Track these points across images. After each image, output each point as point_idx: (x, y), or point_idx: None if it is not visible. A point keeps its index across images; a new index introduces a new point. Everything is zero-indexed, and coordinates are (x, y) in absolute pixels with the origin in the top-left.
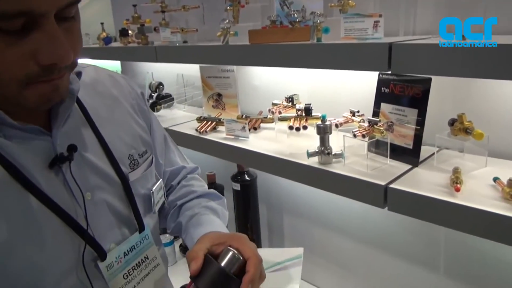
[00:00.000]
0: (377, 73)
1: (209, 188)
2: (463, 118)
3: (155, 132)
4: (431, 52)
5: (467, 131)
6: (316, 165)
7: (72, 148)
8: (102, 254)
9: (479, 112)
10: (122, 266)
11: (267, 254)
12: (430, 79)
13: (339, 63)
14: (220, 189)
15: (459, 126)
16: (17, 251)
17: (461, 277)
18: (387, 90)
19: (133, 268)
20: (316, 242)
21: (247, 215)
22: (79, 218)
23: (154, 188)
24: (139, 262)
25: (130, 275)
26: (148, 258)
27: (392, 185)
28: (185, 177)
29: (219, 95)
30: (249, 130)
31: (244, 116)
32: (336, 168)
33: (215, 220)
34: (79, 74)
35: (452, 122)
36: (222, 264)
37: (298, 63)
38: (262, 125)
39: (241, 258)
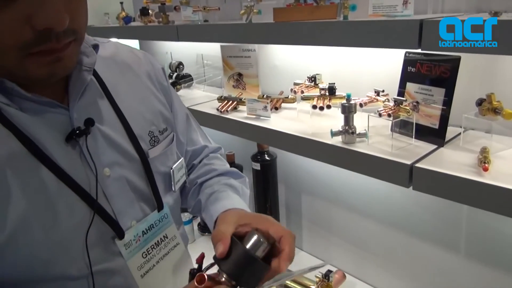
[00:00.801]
0: (401, 51)
1: None
2: (492, 97)
3: (177, 111)
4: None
5: (496, 111)
6: (340, 145)
7: (89, 122)
8: (120, 232)
9: (506, 92)
10: (140, 244)
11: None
12: (459, 58)
13: (367, 41)
14: (239, 169)
15: (488, 106)
16: (33, 225)
17: (481, 258)
18: (413, 70)
19: (152, 247)
20: (334, 222)
21: (266, 195)
22: (97, 193)
23: (174, 166)
24: (158, 241)
25: (149, 254)
26: (167, 237)
27: (417, 165)
28: (207, 156)
29: (240, 75)
30: (271, 110)
31: (265, 96)
32: (360, 147)
33: (234, 196)
34: (96, 47)
35: (480, 102)
36: (248, 246)
37: (325, 42)
38: (283, 105)
39: (266, 243)
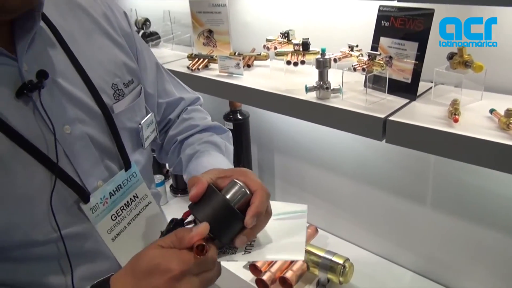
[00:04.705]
0: (375, 5)
1: None
2: (463, 51)
3: (145, 60)
4: None
5: (466, 64)
6: (315, 100)
7: (42, 74)
8: (84, 196)
9: (474, 47)
10: (108, 207)
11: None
12: (433, 11)
13: None
14: None
15: (459, 60)
16: None
17: (447, 208)
18: (387, 24)
19: (122, 208)
20: (306, 179)
21: (239, 155)
22: (57, 155)
23: (143, 121)
24: (127, 201)
25: (119, 216)
26: (137, 197)
27: (391, 118)
28: (185, 110)
29: (210, 31)
30: (243, 67)
31: (237, 53)
32: (335, 102)
33: (216, 155)
34: None
35: (451, 56)
36: (227, 196)
37: None
38: (256, 62)
39: (248, 192)
